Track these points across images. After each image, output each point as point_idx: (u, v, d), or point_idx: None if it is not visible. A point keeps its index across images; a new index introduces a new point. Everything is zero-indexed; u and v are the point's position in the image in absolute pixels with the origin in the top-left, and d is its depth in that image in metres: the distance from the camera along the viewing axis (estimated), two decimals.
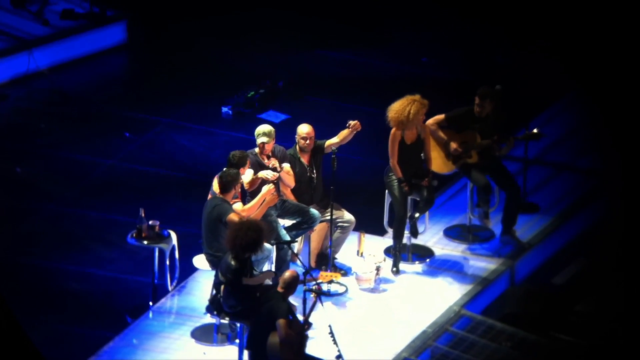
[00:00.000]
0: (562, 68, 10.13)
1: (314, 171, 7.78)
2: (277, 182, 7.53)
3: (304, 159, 7.79)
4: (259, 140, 7.57)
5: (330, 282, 7.59)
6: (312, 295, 6.79)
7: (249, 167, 7.42)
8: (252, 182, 7.41)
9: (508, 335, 7.35)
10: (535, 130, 8.17)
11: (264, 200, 7.30)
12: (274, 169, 7.46)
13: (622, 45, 9.70)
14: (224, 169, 7.32)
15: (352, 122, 7.63)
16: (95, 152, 9.51)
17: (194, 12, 11.37)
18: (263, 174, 7.43)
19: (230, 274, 6.80)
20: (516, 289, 7.96)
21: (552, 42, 10.38)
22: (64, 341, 7.42)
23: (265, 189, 7.34)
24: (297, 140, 7.79)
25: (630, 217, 7.96)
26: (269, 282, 7.05)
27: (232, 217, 7.13)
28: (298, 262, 7.58)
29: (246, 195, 7.52)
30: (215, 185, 7.43)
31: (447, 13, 11.11)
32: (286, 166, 7.65)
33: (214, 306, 6.94)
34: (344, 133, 7.69)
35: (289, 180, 7.63)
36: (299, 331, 6.65)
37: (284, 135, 8.37)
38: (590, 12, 9.96)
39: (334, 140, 7.73)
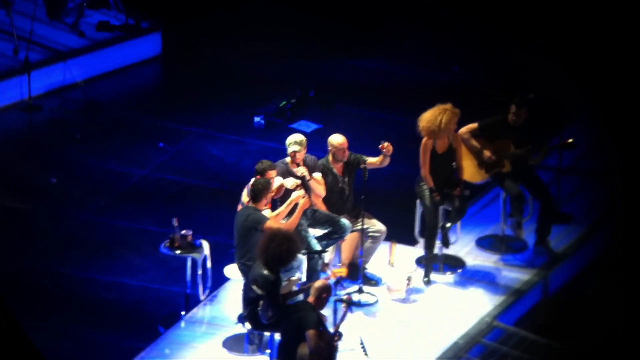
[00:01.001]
0: (585, 79, 10.02)
1: (346, 181, 7.77)
2: (307, 189, 7.53)
3: (337, 169, 7.78)
4: (290, 149, 7.58)
5: (361, 291, 7.59)
6: (342, 306, 6.77)
7: (277, 175, 7.43)
8: (277, 190, 7.43)
9: (541, 346, 7.25)
10: (570, 140, 8.08)
11: (295, 206, 7.30)
12: (302, 177, 7.46)
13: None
14: (252, 178, 7.35)
15: (385, 145, 7.58)
16: (128, 162, 9.59)
17: (226, 23, 11.44)
18: (285, 181, 7.44)
19: (269, 286, 6.79)
20: (550, 300, 7.85)
21: (578, 54, 10.27)
22: (95, 350, 7.47)
23: (295, 195, 7.35)
24: (330, 150, 7.78)
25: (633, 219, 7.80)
26: (295, 288, 7.05)
27: (269, 224, 7.13)
28: (329, 272, 7.56)
29: (276, 203, 7.54)
30: (245, 196, 7.46)
31: (477, 23, 11.05)
32: (317, 175, 7.65)
33: (251, 322, 6.91)
34: (382, 157, 7.65)
35: (320, 189, 7.62)
36: (329, 342, 6.63)
37: (316, 144, 8.37)
38: (609, 19, 9.84)
39: (373, 160, 7.69)
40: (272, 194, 7.29)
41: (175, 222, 7.55)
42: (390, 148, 7.60)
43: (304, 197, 7.32)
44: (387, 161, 7.68)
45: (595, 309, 7.61)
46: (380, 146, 7.61)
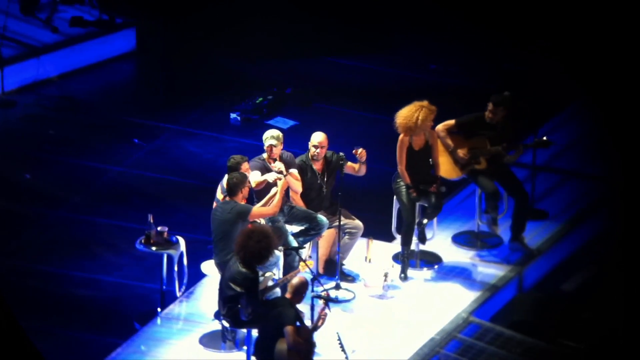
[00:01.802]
0: (570, 74, 10.12)
1: (325, 180, 7.78)
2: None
3: (317, 167, 7.79)
4: (267, 143, 7.59)
5: (338, 287, 7.61)
6: (320, 302, 6.79)
7: (254, 170, 7.43)
8: (258, 184, 7.43)
9: (517, 342, 7.32)
10: (544, 138, 8.16)
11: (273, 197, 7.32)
12: (279, 172, 7.48)
13: (632, 52, 9.68)
14: (226, 175, 7.34)
15: (358, 151, 7.60)
16: (104, 158, 9.54)
17: (202, 19, 11.40)
18: (266, 176, 7.44)
19: (248, 283, 6.79)
20: (525, 295, 7.93)
21: (561, 50, 10.36)
22: (71, 348, 7.43)
23: (273, 191, 7.37)
24: (309, 147, 7.79)
25: (635, 223, 7.92)
26: (270, 283, 7.06)
27: (256, 211, 7.12)
28: (306, 268, 7.57)
29: (253, 198, 7.54)
30: (219, 194, 7.45)
31: (454, 19, 11.11)
32: (293, 171, 7.66)
33: (230, 320, 6.90)
34: (358, 165, 7.67)
35: (296, 185, 7.64)
36: (307, 338, 6.64)
37: (292, 141, 8.37)
38: (600, 15, 9.94)
39: (351, 164, 7.68)
40: (248, 187, 7.30)
41: (150, 219, 7.52)
42: (364, 154, 7.62)
43: (281, 180, 7.32)
44: (363, 169, 7.71)
45: (572, 305, 7.70)
46: (353, 151, 7.63)
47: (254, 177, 7.46)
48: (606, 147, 9.25)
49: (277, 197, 7.30)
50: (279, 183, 7.37)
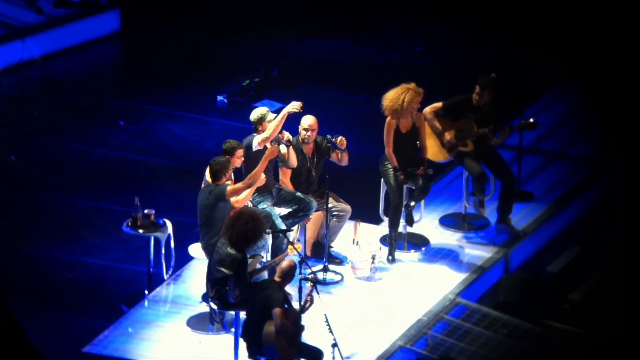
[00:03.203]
0: (554, 55, 10.15)
1: (314, 163, 7.77)
2: (275, 166, 7.54)
3: (306, 150, 7.78)
4: (267, 118, 7.51)
5: (325, 270, 7.63)
6: (307, 284, 6.80)
7: (238, 157, 7.40)
8: (274, 131, 7.35)
9: (503, 323, 7.38)
10: (530, 120, 8.19)
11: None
12: (288, 142, 7.45)
13: (613, 32, 9.72)
14: (214, 157, 7.33)
15: (338, 139, 7.59)
16: (88, 140, 9.48)
17: (188, 1, 11.32)
18: (288, 107, 7.39)
19: (236, 264, 6.79)
20: (511, 277, 7.98)
21: (548, 32, 10.39)
22: (57, 330, 7.41)
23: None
24: (299, 130, 7.77)
25: (629, 207, 7.98)
26: (258, 266, 7.07)
27: (230, 188, 7.10)
28: (294, 251, 7.57)
29: (241, 175, 7.51)
30: (208, 176, 7.43)
31: (440, 2, 11.09)
32: (282, 147, 7.66)
33: (218, 302, 6.90)
34: (339, 153, 7.66)
35: (293, 158, 7.60)
36: (295, 320, 6.66)
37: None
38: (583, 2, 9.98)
39: (337, 151, 7.66)
40: (232, 170, 7.27)
41: (137, 201, 7.49)
42: (344, 142, 7.62)
43: (273, 147, 7.31)
44: (345, 158, 7.70)
45: (557, 286, 7.75)
46: (333, 139, 7.61)
47: (257, 138, 7.41)
48: (592, 128, 9.31)
49: (260, 165, 7.26)
50: (269, 147, 7.34)
